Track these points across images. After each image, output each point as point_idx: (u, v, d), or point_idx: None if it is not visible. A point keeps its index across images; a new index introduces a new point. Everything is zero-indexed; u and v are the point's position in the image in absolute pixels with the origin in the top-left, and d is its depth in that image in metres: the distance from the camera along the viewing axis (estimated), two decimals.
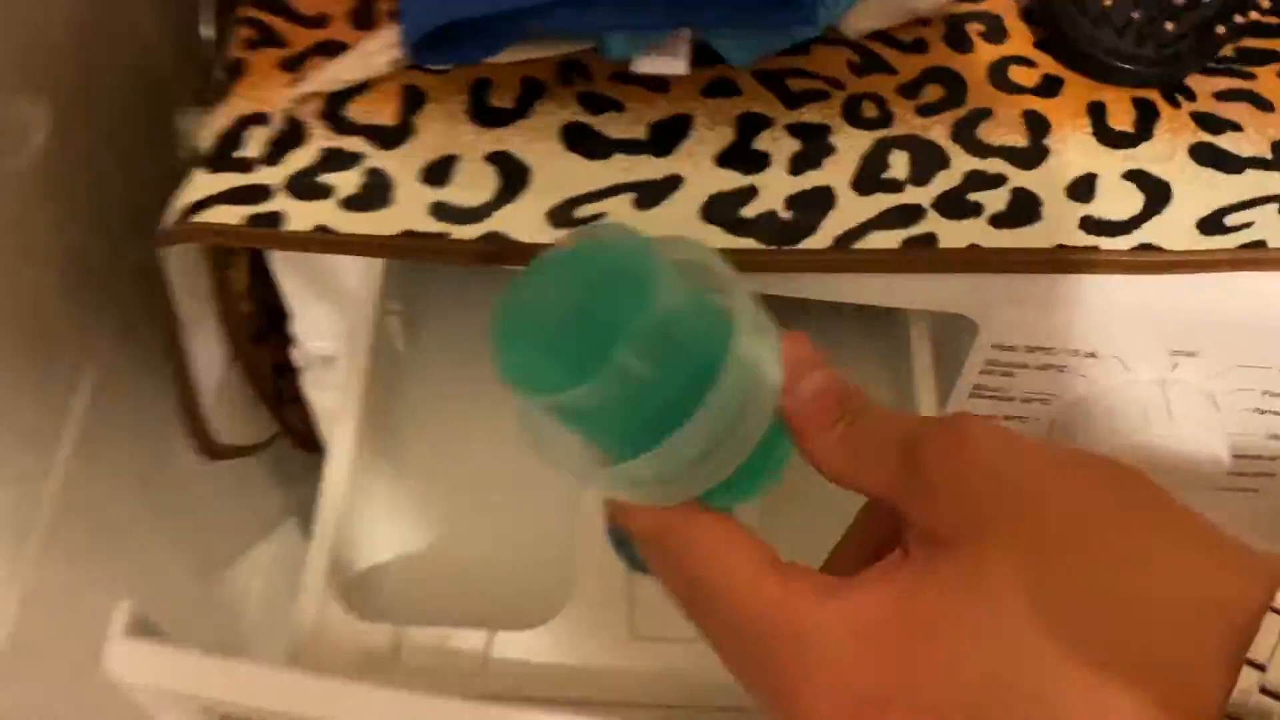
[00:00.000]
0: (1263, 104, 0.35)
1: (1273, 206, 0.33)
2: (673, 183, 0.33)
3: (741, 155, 0.34)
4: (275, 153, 0.33)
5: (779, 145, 0.34)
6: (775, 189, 0.33)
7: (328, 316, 0.41)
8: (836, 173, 0.33)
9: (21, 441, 0.38)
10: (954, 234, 0.32)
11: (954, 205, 0.32)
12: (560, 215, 0.32)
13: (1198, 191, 0.33)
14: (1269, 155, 0.34)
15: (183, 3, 0.43)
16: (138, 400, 0.46)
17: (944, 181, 0.33)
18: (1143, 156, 0.34)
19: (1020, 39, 0.37)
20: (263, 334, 0.44)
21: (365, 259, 0.36)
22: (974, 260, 0.32)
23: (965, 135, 0.34)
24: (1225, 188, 0.33)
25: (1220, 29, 0.35)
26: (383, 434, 0.40)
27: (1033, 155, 0.34)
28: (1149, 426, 0.36)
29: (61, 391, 0.40)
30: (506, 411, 0.21)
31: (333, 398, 0.43)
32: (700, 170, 0.33)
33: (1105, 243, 0.32)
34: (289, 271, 0.39)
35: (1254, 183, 0.33)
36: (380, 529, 0.39)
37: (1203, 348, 0.35)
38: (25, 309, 0.37)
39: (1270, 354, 0.35)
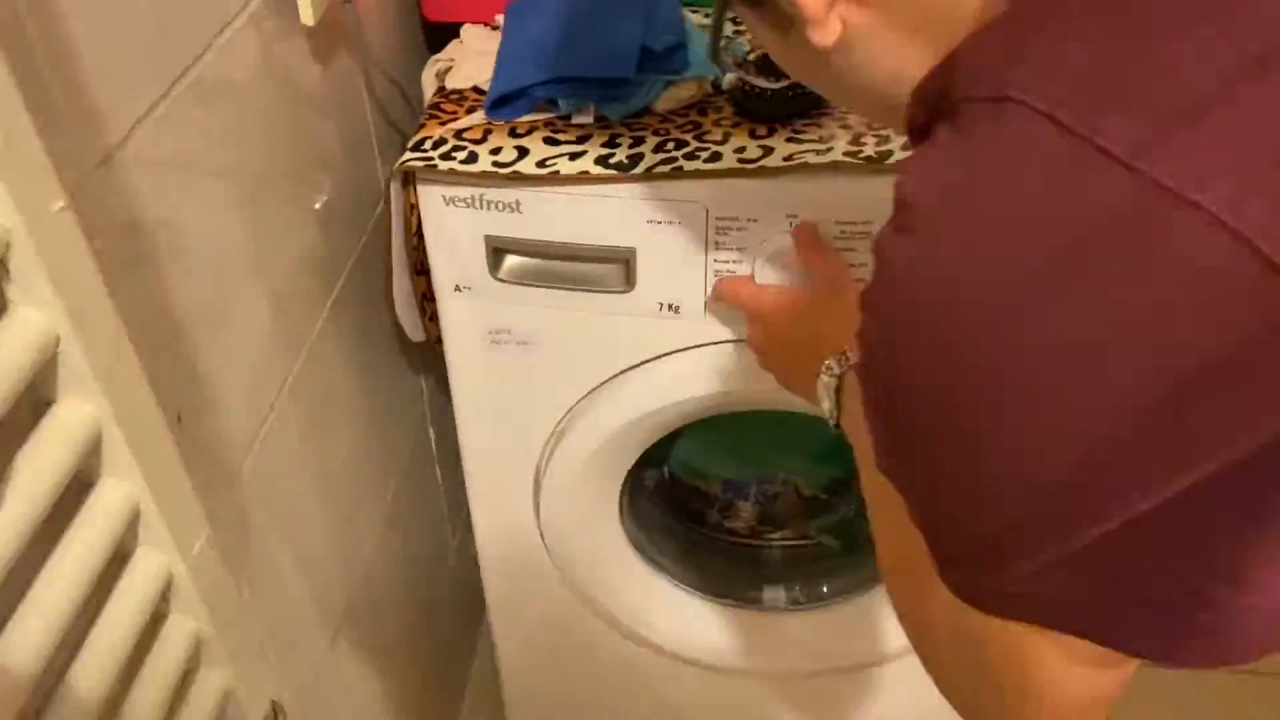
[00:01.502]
0: None
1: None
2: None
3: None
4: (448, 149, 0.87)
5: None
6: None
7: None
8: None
9: (297, 319, 0.89)
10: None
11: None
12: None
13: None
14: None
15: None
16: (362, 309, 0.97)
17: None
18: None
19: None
20: (421, 269, 0.95)
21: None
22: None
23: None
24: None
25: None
26: None
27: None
28: None
29: (323, 290, 0.92)
30: None
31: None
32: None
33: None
34: (429, 224, 0.91)
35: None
36: None
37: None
38: (303, 246, 0.90)
39: None
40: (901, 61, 0.45)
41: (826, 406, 0.72)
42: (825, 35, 0.44)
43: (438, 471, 1.29)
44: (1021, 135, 0.34)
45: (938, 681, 0.52)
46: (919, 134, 0.41)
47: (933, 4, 0.43)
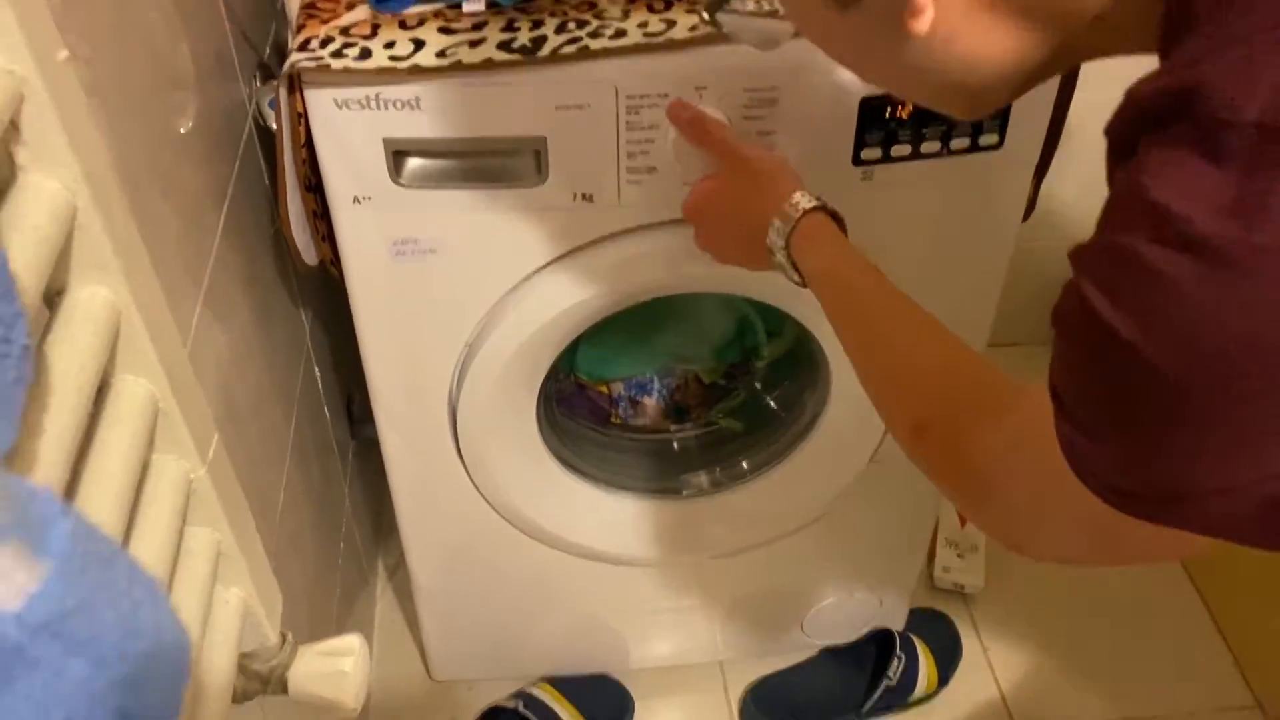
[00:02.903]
0: None
1: None
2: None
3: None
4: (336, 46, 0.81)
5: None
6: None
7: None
8: None
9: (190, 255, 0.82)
10: None
11: None
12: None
13: None
14: None
15: None
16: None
17: None
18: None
19: None
20: (310, 185, 0.90)
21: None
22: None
23: None
24: None
25: None
26: None
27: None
28: None
29: (213, 211, 0.85)
30: None
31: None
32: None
33: None
34: (320, 131, 0.85)
35: None
36: None
37: None
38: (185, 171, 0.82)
39: None
40: (988, 48, 0.44)
41: (792, 279, 0.74)
42: (925, 22, 0.42)
43: (325, 411, 1.23)
44: None
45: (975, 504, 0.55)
46: (1129, 141, 0.39)
47: None
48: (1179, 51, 0.39)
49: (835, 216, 0.75)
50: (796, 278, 0.73)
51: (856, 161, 0.91)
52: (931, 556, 1.49)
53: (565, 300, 0.95)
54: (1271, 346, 0.34)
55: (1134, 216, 0.37)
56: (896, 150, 0.90)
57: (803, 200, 0.73)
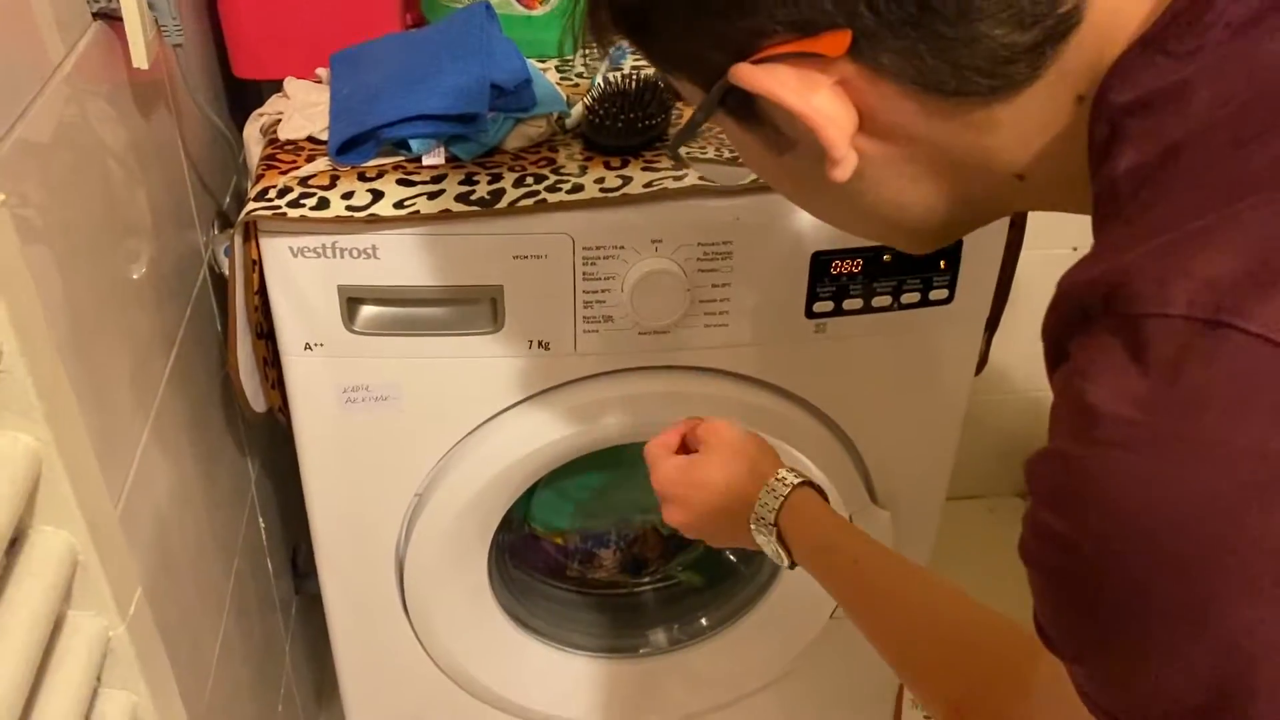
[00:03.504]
0: None
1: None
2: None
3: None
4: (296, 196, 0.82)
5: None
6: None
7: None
8: None
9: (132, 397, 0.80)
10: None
11: None
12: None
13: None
14: None
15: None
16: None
17: None
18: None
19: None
20: (262, 332, 0.89)
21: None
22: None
23: None
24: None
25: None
26: None
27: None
28: None
29: (160, 357, 0.83)
30: None
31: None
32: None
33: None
34: (274, 279, 0.85)
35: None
36: None
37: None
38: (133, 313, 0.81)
39: None
40: (915, 194, 0.45)
41: (780, 559, 0.71)
42: (843, 171, 0.43)
43: (269, 565, 1.18)
44: (1243, 360, 0.32)
45: None
46: (1060, 341, 0.39)
47: (958, 152, 0.43)
48: (1106, 235, 0.39)
49: (819, 491, 0.72)
50: (785, 558, 0.71)
51: (810, 314, 0.92)
52: (898, 717, 1.44)
53: (519, 449, 0.94)
54: (1232, 538, 0.33)
55: (1069, 419, 0.36)
56: (849, 304, 0.91)
57: (789, 476, 0.71)
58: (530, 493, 1.11)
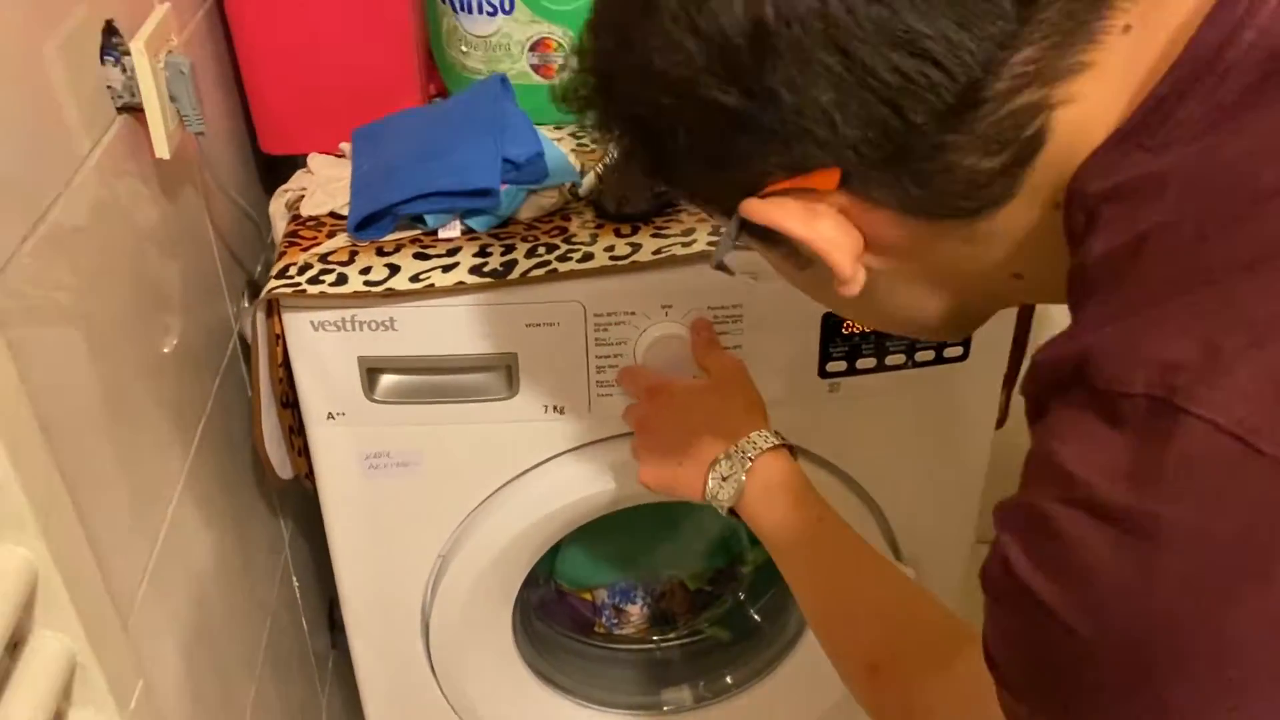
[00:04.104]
0: None
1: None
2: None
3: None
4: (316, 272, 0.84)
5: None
6: None
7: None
8: None
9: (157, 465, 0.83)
10: None
11: None
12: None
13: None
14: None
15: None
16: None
17: None
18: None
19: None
20: (287, 401, 0.91)
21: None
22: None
23: None
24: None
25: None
26: None
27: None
28: None
29: (191, 424, 0.86)
30: None
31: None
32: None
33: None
34: (297, 351, 0.87)
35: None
36: None
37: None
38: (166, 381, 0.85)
39: None
40: (924, 300, 0.50)
41: (723, 492, 0.73)
42: (853, 288, 0.47)
43: (304, 621, 1.21)
44: (1213, 455, 0.34)
45: None
46: (1040, 399, 0.41)
47: (956, 262, 0.47)
48: (1080, 314, 0.41)
49: (790, 449, 0.75)
50: (727, 512, 0.74)
51: (823, 374, 0.92)
52: None
53: (538, 511, 0.95)
54: (1170, 617, 0.34)
55: (1045, 478, 0.38)
56: (862, 363, 0.92)
57: (761, 439, 0.74)
58: (556, 549, 1.12)
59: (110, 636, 0.43)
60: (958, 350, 0.93)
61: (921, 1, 0.39)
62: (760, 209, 0.46)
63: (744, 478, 0.72)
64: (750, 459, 0.72)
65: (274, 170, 1.09)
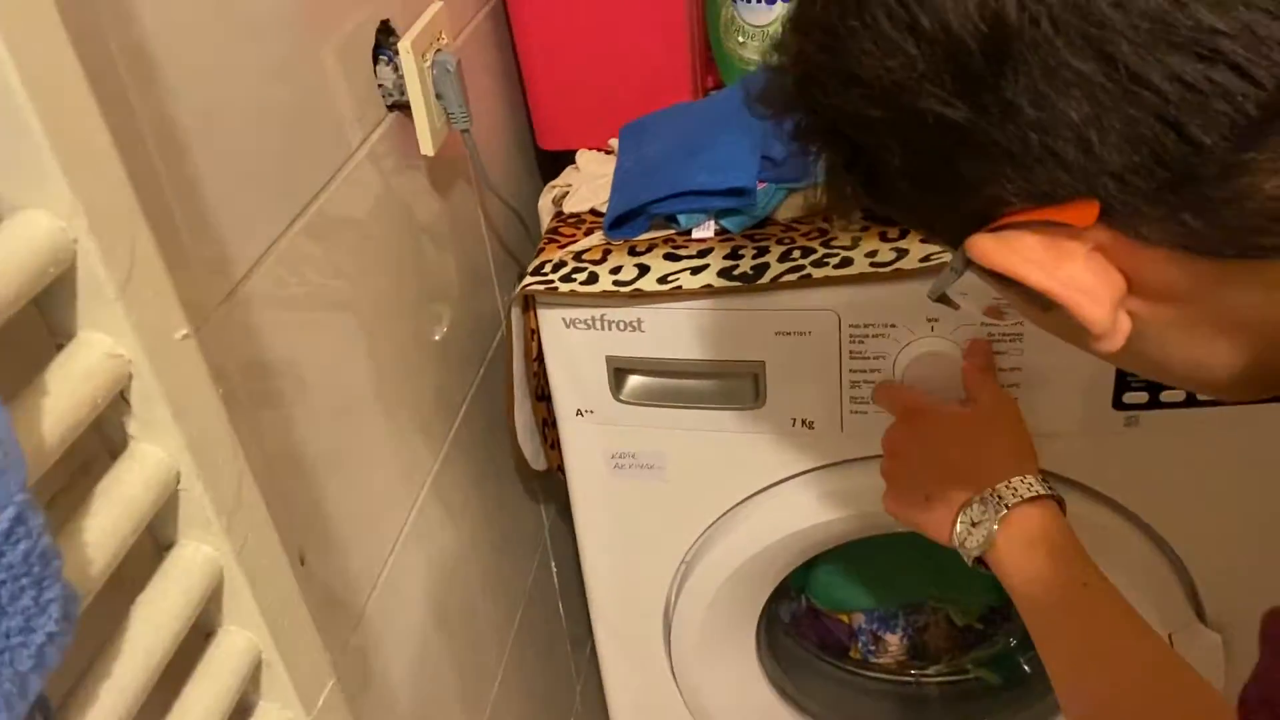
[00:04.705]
0: None
1: None
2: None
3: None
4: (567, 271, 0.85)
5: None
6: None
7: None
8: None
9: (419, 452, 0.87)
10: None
11: None
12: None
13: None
14: None
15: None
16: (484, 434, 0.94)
17: None
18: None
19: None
20: (542, 395, 0.93)
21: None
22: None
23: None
24: None
25: None
26: None
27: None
28: None
29: (445, 422, 0.89)
30: None
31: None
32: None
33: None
34: (550, 347, 0.88)
35: None
36: None
37: None
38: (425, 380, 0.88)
39: None
40: (1208, 353, 0.40)
41: (972, 539, 0.65)
42: (1112, 342, 0.39)
43: (560, 606, 1.24)
44: None
45: None
46: None
47: (1248, 309, 0.37)
48: None
49: (1060, 502, 0.66)
50: (974, 561, 0.65)
51: (1118, 405, 0.80)
52: None
53: (783, 529, 0.90)
54: None
55: None
56: (1167, 395, 0.79)
57: (1022, 487, 0.65)
58: (811, 564, 1.07)
59: (299, 637, 0.45)
60: None
61: None
62: (992, 250, 0.38)
63: (996, 526, 0.63)
64: (1007, 506, 0.63)
65: (555, 165, 1.11)
